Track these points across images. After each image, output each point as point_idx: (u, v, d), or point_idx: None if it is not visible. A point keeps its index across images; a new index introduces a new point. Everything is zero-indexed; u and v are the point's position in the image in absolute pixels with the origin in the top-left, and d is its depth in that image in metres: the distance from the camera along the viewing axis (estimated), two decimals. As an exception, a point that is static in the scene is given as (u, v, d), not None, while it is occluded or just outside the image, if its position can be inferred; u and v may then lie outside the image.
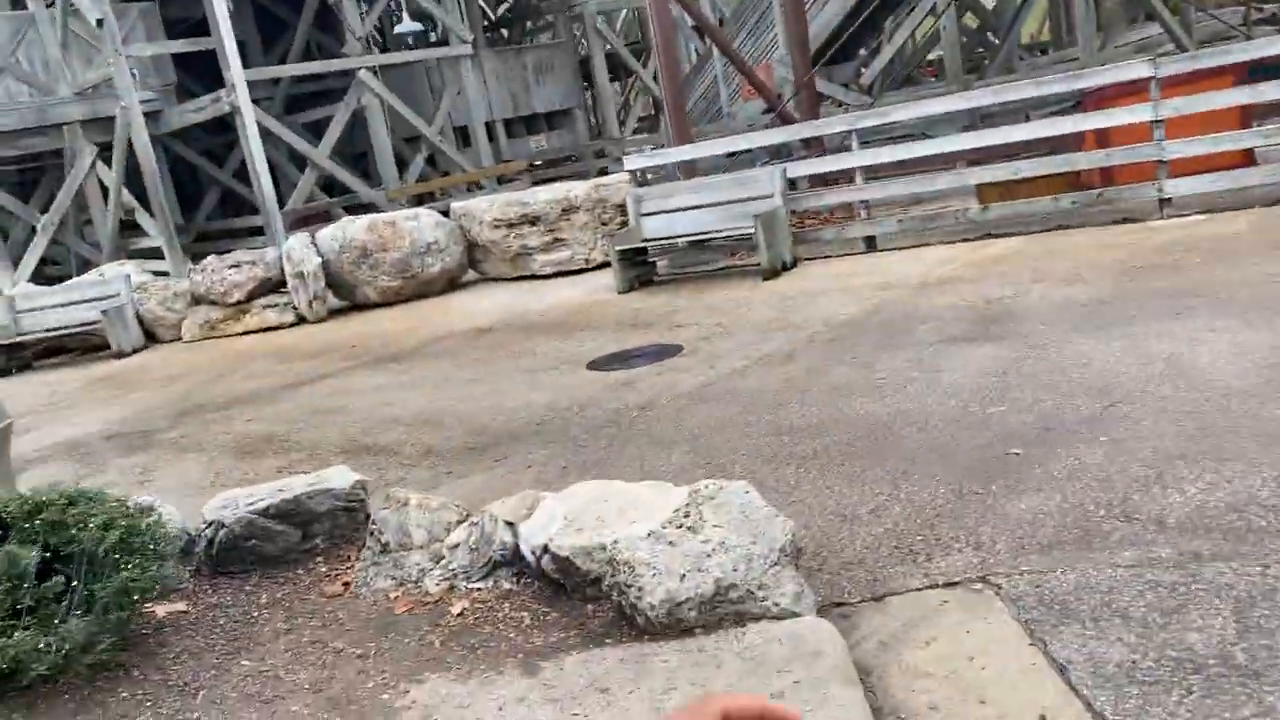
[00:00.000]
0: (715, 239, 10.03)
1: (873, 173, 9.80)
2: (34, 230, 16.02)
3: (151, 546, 3.42)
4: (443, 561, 3.78)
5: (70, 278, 14.79)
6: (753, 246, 9.55)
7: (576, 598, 3.39)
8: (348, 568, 4.05)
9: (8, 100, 15.06)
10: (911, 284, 8.02)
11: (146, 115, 15.21)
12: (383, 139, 16.79)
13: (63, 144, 15.64)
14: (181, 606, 3.87)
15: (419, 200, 16.70)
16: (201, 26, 14.81)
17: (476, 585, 3.62)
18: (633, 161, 11.07)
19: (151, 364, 11.48)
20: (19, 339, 12.66)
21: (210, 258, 12.73)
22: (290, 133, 16.21)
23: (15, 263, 15.54)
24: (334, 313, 12.12)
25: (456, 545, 3.79)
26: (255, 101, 15.65)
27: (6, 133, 14.92)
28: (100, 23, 14.06)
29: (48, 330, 12.68)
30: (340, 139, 16.93)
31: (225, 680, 3.27)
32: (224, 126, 16.13)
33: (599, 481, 3.80)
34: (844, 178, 10.24)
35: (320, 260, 11.85)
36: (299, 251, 11.90)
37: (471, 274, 12.49)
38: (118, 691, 3.25)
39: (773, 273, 9.32)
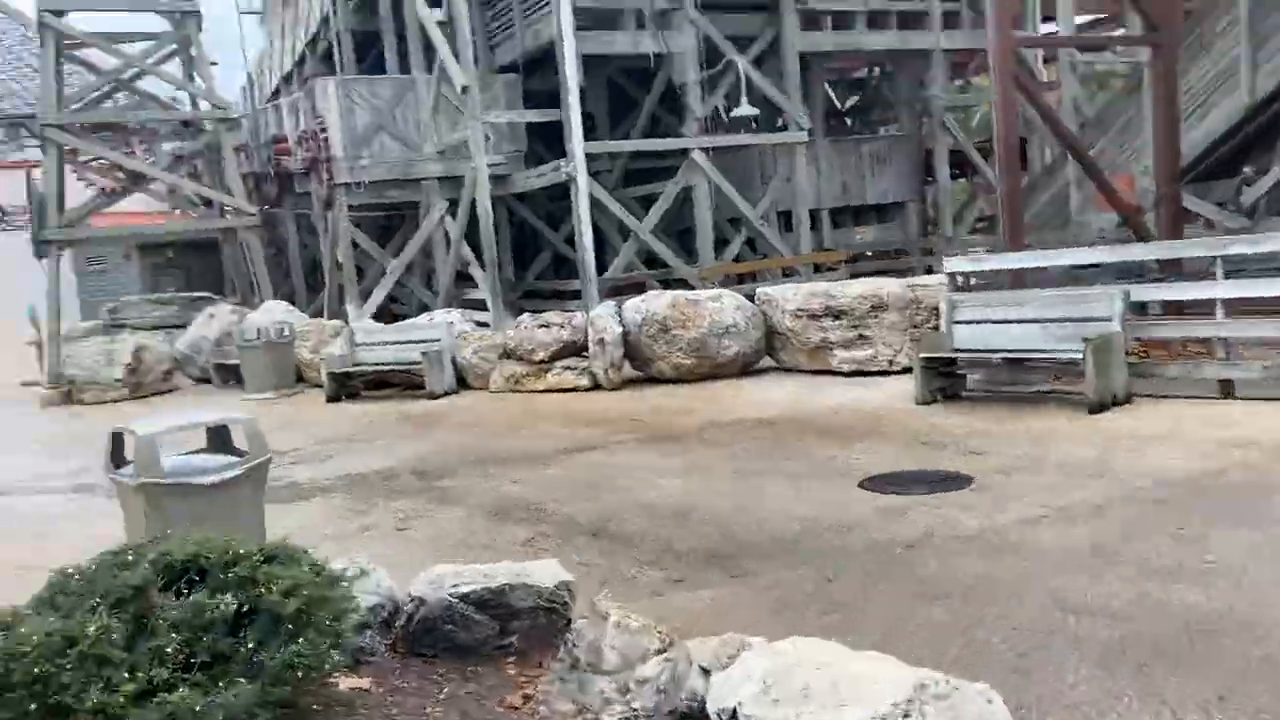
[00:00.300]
0: (1035, 359, 9.00)
1: (1238, 307, 8.41)
2: (384, 271, 17.59)
3: (329, 622, 3.24)
4: (628, 696, 3.33)
5: (409, 318, 16.03)
6: (1079, 373, 8.44)
7: (760, 783, 2.81)
8: (535, 676, 3.70)
9: (381, 154, 16.73)
10: (1272, 445, 6.67)
11: (494, 178, 16.33)
12: (705, 217, 16.96)
13: (419, 197, 17.15)
14: (365, 683, 3.69)
15: (739, 280, 16.65)
16: (558, 98, 15.70)
17: (655, 736, 3.13)
18: (953, 264, 10.22)
19: (455, 409, 12.03)
20: (352, 369, 13.78)
21: (524, 315, 13.29)
22: (617, 204, 16.74)
23: (365, 297, 17.12)
24: (628, 382, 12.16)
25: (645, 681, 3.33)
26: (595, 174, 16.35)
27: (375, 183, 16.58)
28: (465, 90, 15.28)
29: (377, 364, 13.72)
30: (667, 214, 17.29)
31: (368, 786, 3.00)
32: (565, 193, 16.96)
33: (817, 641, 3.20)
34: (1202, 308, 8.88)
35: (621, 330, 11.97)
36: (603, 319, 12.09)
37: (767, 360, 12.12)
38: (263, 772, 3.06)
39: (1100, 406, 8.17)
